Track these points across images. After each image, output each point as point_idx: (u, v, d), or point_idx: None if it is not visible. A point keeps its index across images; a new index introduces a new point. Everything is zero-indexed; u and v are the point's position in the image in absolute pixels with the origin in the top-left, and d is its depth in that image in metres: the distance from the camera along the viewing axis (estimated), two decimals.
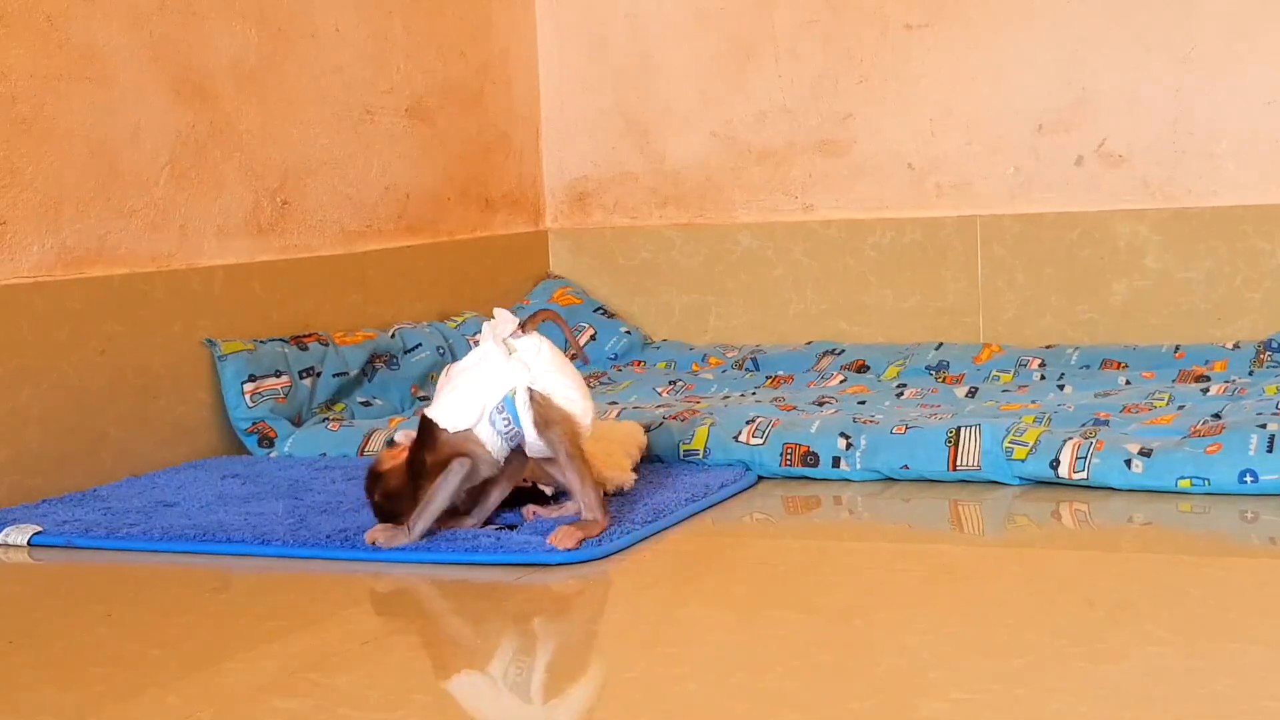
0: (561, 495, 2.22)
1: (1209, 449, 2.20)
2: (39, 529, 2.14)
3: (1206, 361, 2.99)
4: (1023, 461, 2.27)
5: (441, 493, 1.94)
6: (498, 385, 1.96)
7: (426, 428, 1.96)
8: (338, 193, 3.06)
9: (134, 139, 2.61)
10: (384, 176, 3.19)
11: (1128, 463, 2.20)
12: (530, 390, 1.96)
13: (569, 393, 1.98)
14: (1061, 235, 3.29)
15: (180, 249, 2.69)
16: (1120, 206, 3.26)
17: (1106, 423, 2.44)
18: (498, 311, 2.04)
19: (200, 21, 2.74)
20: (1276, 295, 3.15)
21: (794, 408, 2.67)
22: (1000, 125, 3.34)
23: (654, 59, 3.61)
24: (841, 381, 3.04)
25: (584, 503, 1.97)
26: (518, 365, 1.98)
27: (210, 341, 2.69)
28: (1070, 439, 2.27)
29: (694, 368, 3.31)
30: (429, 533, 1.96)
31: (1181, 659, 1.48)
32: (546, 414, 1.96)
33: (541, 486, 2.19)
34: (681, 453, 2.46)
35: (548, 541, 1.91)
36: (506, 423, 1.96)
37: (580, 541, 1.92)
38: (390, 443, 2.04)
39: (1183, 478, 2.18)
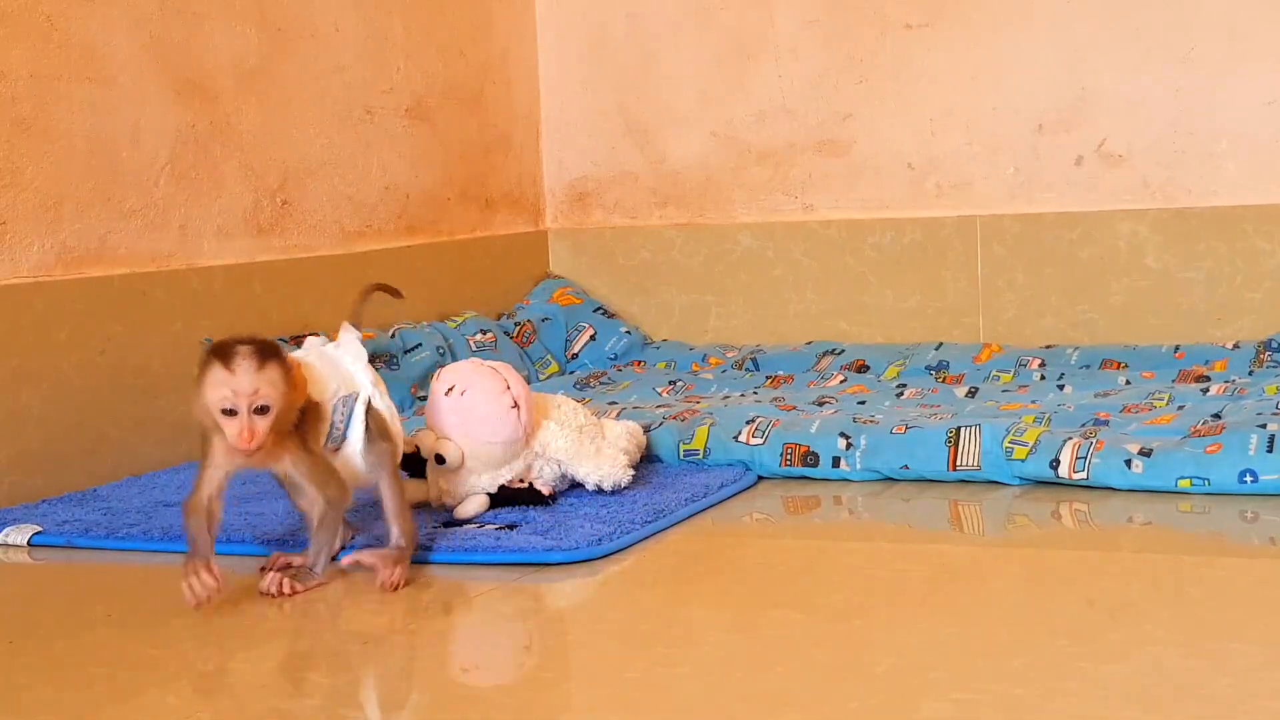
0: (560, 496, 2.23)
1: (1209, 449, 2.20)
2: (39, 529, 2.14)
3: (1206, 361, 2.99)
4: (1023, 461, 2.27)
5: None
6: (349, 380, 1.91)
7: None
8: (338, 193, 3.06)
9: (134, 139, 2.61)
10: (384, 176, 3.19)
11: (1128, 463, 2.20)
12: (370, 404, 1.91)
13: (395, 424, 1.95)
14: (1061, 235, 3.29)
15: (180, 249, 2.69)
16: (1120, 206, 3.26)
17: (1106, 423, 2.44)
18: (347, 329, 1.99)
19: (200, 21, 2.74)
20: (1276, 295, 3.15)
21: (794, 408, 2.67)
22: (1000, 125, 3.34)
23: (654, 59, 3.61)
24: (841, 381, 3.04)
25: (402, 528, 1.88)
26: (368, 376, 1.93)
27: (210, 341, 2.69)
28: (1070, 439, 2.27)
29: (694, 368, 3.31)
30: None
31: (1181, 659, 1.48)
32: (383, 427, 1.91)
33: (539, 486, 2.19)
34: (681, 453, 2.46)
35: (380, 580, 1.82)
36: (341, 420, 1.89)
37: (404, 579, 1.83)
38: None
39: (1183, 478, 2.18)
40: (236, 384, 1.70)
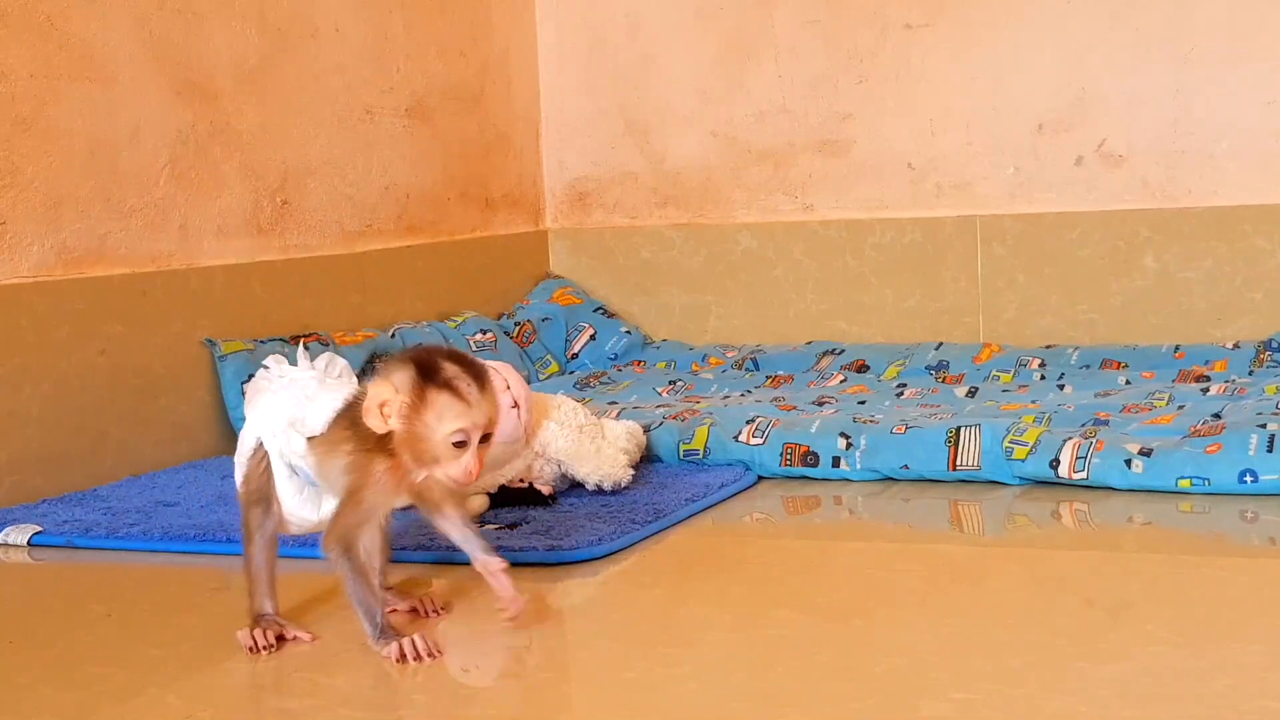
0: (560, 496, 2.23)
1: (1209, 449, 2.20)
2: (39, 529, 2.14)
3: (1206, 361, 2.99)
4: (1023, 461, 2.27)
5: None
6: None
7: None
8: (338, 193, 3.06)
9: (134, 139, 2.61)
10: (384, 176, 3.19)
11: (1128, 463, 2.20)
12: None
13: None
14: (1061, 235, 3.29)
15: (180, 249, 2.69)
16: (1120, 206, 3.26)
17: (1106, 423, 2.44)
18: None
19: (200, 21, 2.74)
20: (1276, 295, 3.15)
21: (794, 408, 2.67)
22: (1000, 125, 3.34)
23: (654, 59, 3.61)
24: (841, 381, 3.04)
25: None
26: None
27: (210, 341, 2.69)
28: (1070, 439, 2.27)
29: (694, 368, 3.31)
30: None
31: (1181, 659, 1.48)
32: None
33: (539, 486, 2.19)
34: (681, 453, 2.46)
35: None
36: None
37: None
38: None
39: (1183, 478, 2.18)
40: (475, 416, 1.56)
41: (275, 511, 1.67)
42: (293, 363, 1.72)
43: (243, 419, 2.61)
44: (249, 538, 1.67)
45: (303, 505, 1.67)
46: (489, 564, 1.63)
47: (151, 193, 2.64)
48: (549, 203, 3.73)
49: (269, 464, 1.67)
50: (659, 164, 3.62)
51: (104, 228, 2.55)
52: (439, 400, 1.55)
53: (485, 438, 1.58)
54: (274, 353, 2.71)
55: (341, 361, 1.73)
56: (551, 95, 3.70)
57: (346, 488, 1.60)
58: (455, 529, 1.65)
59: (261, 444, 1.67)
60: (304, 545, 2.02)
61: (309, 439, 1.62)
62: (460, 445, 1.56)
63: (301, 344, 1.84)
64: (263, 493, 1.67)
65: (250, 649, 1.61)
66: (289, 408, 1.65)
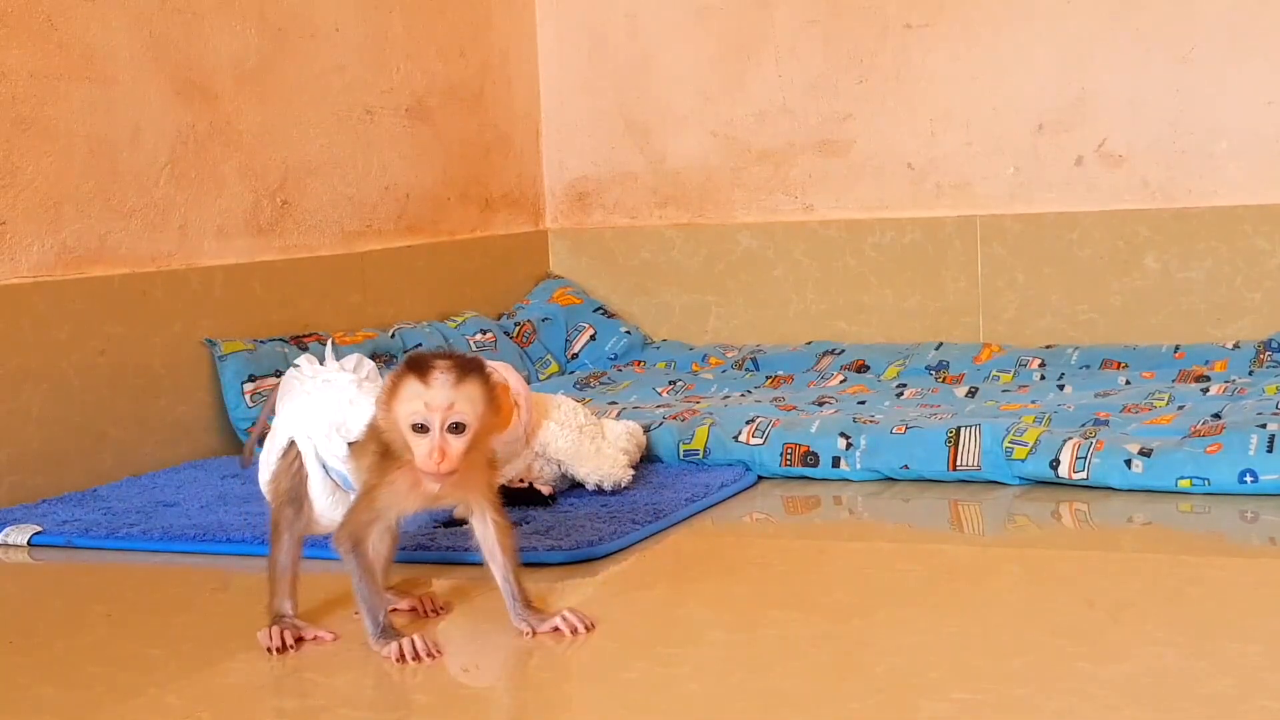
0: (560, 496, 2.23)
1: (1209, 449, 2.20)
2: (39, 529, 2.14)
3: (1206, 361, 2.99)
4: (1023, 461, 2.27)
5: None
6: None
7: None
8: (338, 193, 3.06)
9: (134, 139, 2.61)
10: (384, 176, 3.19)
11: (1128, 463, 2.20)
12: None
13: None
14: (1061, 235, 3.29)
15: (180, 249, 2.69)
16: (1120, 206, 3.26)
17: (1106, 423, 2.44)
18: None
19: (200, 21, 2.74)
20: (1276, 295, 3.15)
21: (794, 408, 2.67)
22: (1000, 125, 3.34)
23: (654, 59, 3.61)
24: (841, 381, 3.04)
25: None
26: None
27: (210, 341, 2.69)
28: (1070, 439, 2.27)
29: (694, 368, 3.31)
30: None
31: (1181, 659, 1.48)
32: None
33: (539, 486, 2.19)
34: (681, 453, 2.46)
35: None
36: None
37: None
38: None
39: (1183, 478, 2.18)
40: (430, 397, 1.51)
41: (306, 512, 1.67)
42: (321, 363, 1.73)
43: (244, 419, 2.64)
44: (277, 537, 1.67)
45: (333, 507, 1.67)
46: (537, 630, 1.63)
47: (151, 193, 2.64)
48: (549, 203, 3.73)
49: (301, 464, 1.66)
50: (659, 164, 3.62)
51: (104, 228, 2.55)
52: (401, 383, 1.53)
53: (459, 428, 1.52)
54: (275, 352, 2.73)
55: (369, 363, 1.73)
56: (551, 95, 3.70)
57: (363, 485, 1.60)
58: (498, 572, 1.65)
59: (294, 444, 1.67)
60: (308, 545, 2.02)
61: (350, 443, 1.62)
62: (420, 430, 1.52)
63: (331, 342, 1.84)
64: (295, 492, 1.67)
65: (275, 650, 1.60)
66: (331, 411, 1.65)
